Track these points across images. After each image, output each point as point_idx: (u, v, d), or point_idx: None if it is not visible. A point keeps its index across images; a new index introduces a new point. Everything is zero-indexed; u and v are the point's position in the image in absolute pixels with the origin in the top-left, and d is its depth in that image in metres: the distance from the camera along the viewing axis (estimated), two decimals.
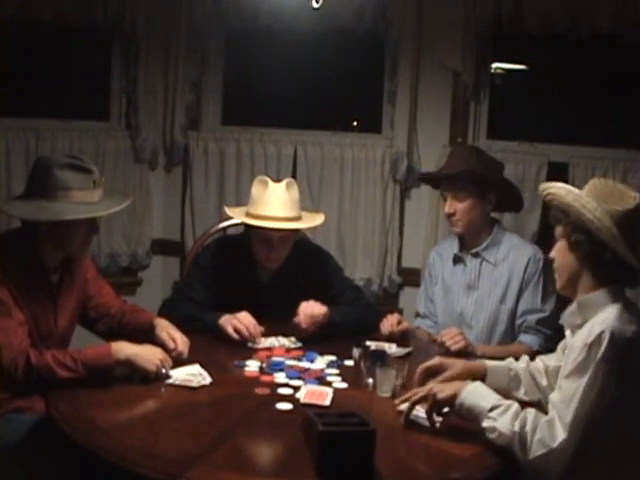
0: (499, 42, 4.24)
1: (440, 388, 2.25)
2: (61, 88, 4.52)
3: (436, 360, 2.57)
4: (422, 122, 4.33)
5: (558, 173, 4.04)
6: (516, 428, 2.08)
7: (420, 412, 2.40)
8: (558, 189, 2.24)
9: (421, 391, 2.29)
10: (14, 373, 2.49)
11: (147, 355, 2.61)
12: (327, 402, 2.50)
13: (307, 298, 3.11)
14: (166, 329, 2.83)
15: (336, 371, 2.80)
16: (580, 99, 4.35)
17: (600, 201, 2.16)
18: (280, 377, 2.71)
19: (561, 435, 2.05)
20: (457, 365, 2.50)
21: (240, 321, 3.01)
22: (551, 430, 2.07)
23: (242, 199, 3.75)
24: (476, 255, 3.30)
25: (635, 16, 3.81)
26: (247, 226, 3.23)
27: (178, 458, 2.08)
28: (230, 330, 3.00)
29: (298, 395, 2.55)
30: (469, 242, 3.31)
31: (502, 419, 2.11)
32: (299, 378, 2.70)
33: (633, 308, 2.19)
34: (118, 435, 2.21)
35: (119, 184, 4.43)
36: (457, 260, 3.36)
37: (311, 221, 3.28)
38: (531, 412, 2.13)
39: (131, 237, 4.64)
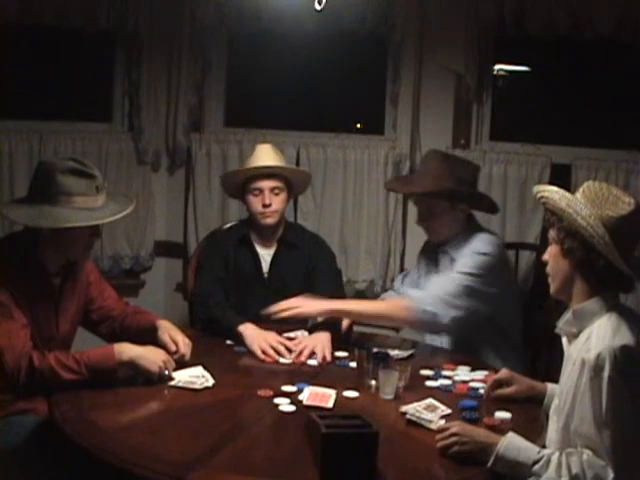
0: (502, 44, 4.23)
1: (462, 440, 2.18)
2: (64, 90, 4.53)
3: (505, 373, 2.65)
4: (425, 124, 4.33)
5: (561, 175, 4.04)
6: (565, 478, 2.04)
7: (422, 414, 2.41)
8: (551, 193, 2.22)
9: (448, 433, 2.21)
10: (17, 376, 2.49)
11: (150, 357, 2.62)
12: (330, 404, 2.50)
13: (305, 277, 3.47)
14: (168, 331, 2.83)
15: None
16: (583, 101, 4.34)
17: (594, 206, 2.14)
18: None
19: (609, 464, 2.01)
20: (524, 382, 2.61)
21: (268, 343, 3.04)
22: (598, 463, 2.02)
23: None
24: (445, 252, 3.30)
25: (637, 18, 3.81)
26: (242, 193, 3.48)
27: (181, 460, 2.09)
28: (259, 353, 3.01)
29: (301, 397, 2.55)
30: (443, 242, 3.33)
31: (547, 474, 2.06)
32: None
33: (628, 316, 2.17)
34: (121, 437, 2.22)
35: (122, 186, 4.43)
36: (433, 257, 3.38)
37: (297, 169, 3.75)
38: (571, 452, 2.08)
39: (134, 239, 4.64)
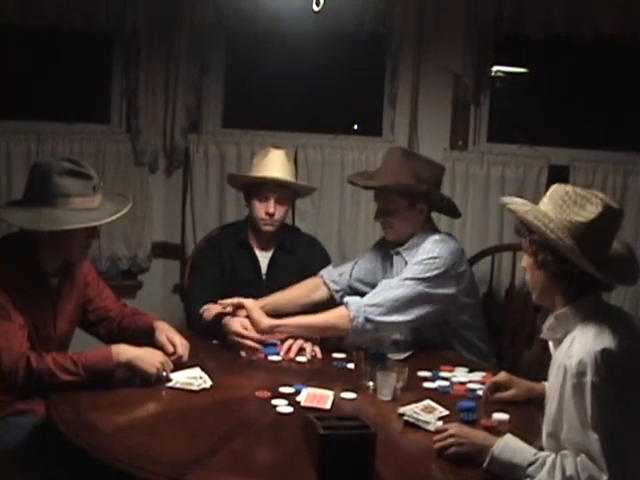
0: (500, 45, 4.23)
1: (459, 441, 2.18)
2: (62, 91, 4.52)
3: (504, 376, 2.64)
4: (423, 125, 4.32)
5: (559, 176, 4.03)
6: (558, 479, 2.03)
7: (420, 415, 2.41)
8: (518, 205, 2.23)
9: (446, 435, 2.22)
10: (15, 377, 2.49)
11: (148, 358, 2.61)
12: (328, 405, 2.50)
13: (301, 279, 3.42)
14: (166, 332, 2.83)
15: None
16: (581, 102, 4.35)
17: (562, 212, 2.13)
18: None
19: (603, 465, 2.00)
20: (522, 385, 2.61)
21: (238, 335, 3.04)
22: (592, 465, 2.01)
23: (242, 202, 3.76)
24: (398, 254, 3.29)
25: (636, 19, 3.81)
26: (247, 193, 3.52)
27: (179, 461, 2.09)
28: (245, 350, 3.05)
29: (298, 398, 2.55)
30: (399, 243, 3.32)
31: (540, 476, 2.06)
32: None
33: (614, 316, 2.17)
34: (118, 438, 2.22)
35: (119, 187, 4.41)
36: (389, 256, 3.36)
37: (306, 184, 3.79)
38: (565, 454, 2.07)
39: (131, 240, 4.63)
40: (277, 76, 4.68)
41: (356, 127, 4.75)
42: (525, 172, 4.15)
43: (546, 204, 2.19)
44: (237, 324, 3.05)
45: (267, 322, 3.06)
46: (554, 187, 2.22)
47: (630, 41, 3.88)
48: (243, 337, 3.02)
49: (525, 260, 2.27)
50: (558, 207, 2.15)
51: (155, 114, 4.58)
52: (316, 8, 3.03)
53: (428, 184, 3.21)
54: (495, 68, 4.37)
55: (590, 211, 2.12)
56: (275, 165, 3.47)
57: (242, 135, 4.57)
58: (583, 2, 3.89)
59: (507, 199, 2.30)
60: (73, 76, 4.56)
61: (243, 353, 3.02)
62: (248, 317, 3.06)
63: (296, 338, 3.07)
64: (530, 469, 2.08)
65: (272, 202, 3.43)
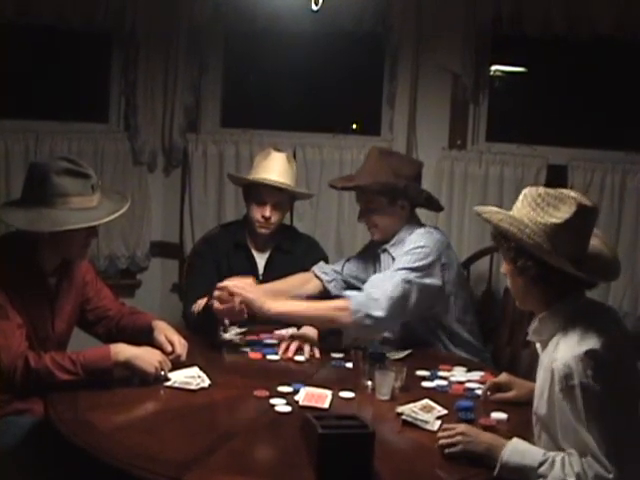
0: (498, 44, 4.23)
1: (467, 439, 2.17)
2: (61, 90, 4.52)
3: (505, 377, 2.63)
4: (421, 124, 4.32)
5: (557, 176, 4.04)
6: (570, 477, 2.03)
7: (418, 414, 2.41)
8: (492, 214, 2.22)
9: (454, 432, 2.21)
10: (13, 376, 2.49)
11: (146, 357, 2.61)
12: (326, 405, 2.50)
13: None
14: (164, 332, 2.83)
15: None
16: (579, 101, 4.34)
17: (537, 214, 2.13)
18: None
19: (607, 463, 2.00)
20: (524, 386, 2.57)
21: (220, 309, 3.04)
22: (597, 464, 2.01)
23: (241, 201, 3.76)
24: (385, 250, 3.30)
25: (635, 19, 3.81)
26: (245, 193, 3.53)
27: (177, 461, 2.09)
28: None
29: (297, 398, 2.55)
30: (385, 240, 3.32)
31: (552, 474, 2.05)
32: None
33: (595, 315, 2.17)
34: (117, 437, 2.22)
35: (118, 186, 4.40)
36: (377, 254, 3.37)
37: (304, 191, 3.75)
38: (572, 453, 2.07)
39: (130, 239, 4.63)
40: (275, 75, 4.68)
41: (355, 126, 4.75)
42: (524, 171, 4.15)
43: (520, 208, 2.20)
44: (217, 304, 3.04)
45: (269, 307, 3.00)
46: (526, 190, 2.23)
47: (629, 41, 3.88)
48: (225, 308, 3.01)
49: (505, 267, 2.28)
50: (532, 210, 2.16)
51: (154, 113, 4.58)
52: (315, 7, 3.03)
53: (407, 180, 3.23)
54: (494, 67, 4.36)
55: (564, 211, 2.12)
56: (275, 168, 3.46)
57: (241, 134, 4.57)
58: (582, 2, 3.89)
59: (480, 208, 2.29)
60: (72, 75, 4.56)
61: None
62: (248, 305, 2.98)
63: (294, 338, 3.07)
64: (542, 469, 2.07)
65: (269, 206, 3.42)
